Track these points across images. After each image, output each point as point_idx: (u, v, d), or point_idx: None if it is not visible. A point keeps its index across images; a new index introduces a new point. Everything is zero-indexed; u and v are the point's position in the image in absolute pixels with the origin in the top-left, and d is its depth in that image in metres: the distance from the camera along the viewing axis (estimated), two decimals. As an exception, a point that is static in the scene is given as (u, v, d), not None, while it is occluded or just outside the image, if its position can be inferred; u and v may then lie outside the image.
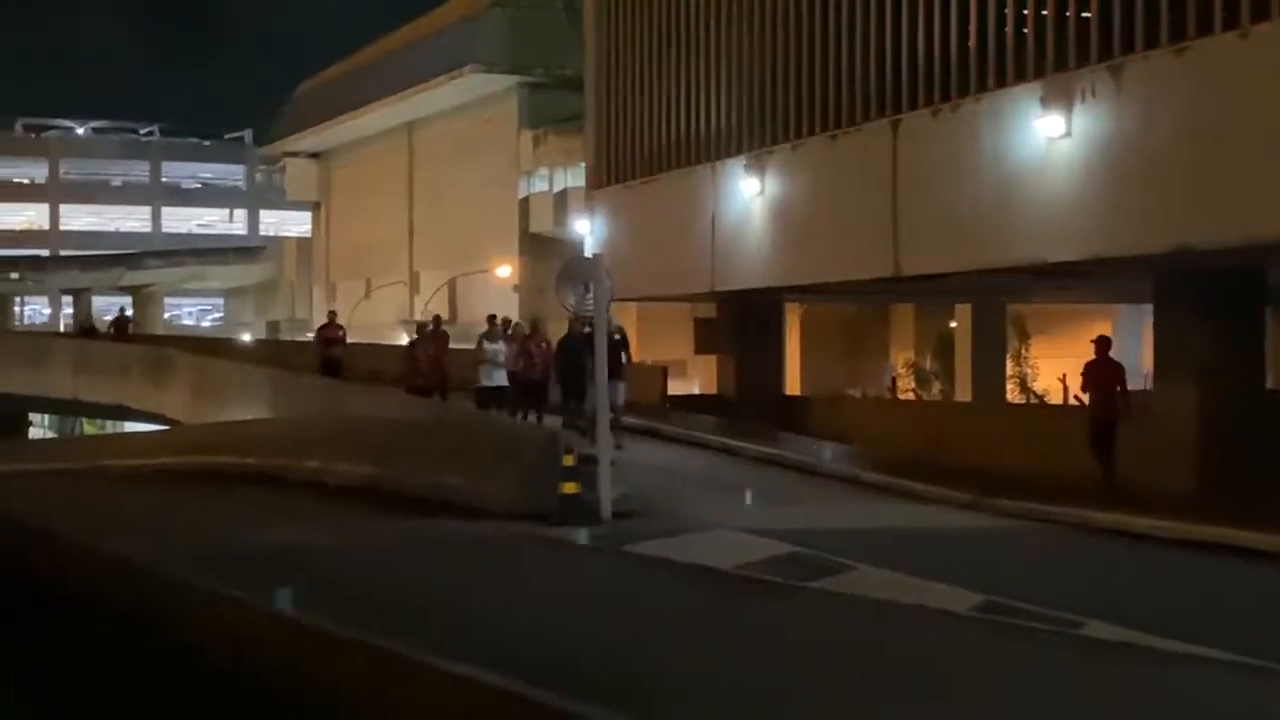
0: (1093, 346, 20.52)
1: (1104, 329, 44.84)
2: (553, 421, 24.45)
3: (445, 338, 28.90)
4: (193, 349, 42.76)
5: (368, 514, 19.05)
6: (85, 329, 52.85)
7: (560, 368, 24.53)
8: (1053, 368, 41.56)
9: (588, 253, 29.84)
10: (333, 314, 36.07)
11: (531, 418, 25.36)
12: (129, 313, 54.92)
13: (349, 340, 36.10)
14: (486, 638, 10.68)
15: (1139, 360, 39.71)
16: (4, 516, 18.72)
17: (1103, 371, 20.28)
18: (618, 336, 23.48)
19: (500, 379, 25.68)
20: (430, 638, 10.21)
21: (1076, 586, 14.12)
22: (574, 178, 50.25)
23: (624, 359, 23.97)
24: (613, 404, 21.96)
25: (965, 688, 9.51)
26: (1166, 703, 9.26)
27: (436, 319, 30.53)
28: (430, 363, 27.35)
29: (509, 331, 26.61)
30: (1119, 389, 20.20)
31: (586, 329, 22.86)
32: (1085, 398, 20.81)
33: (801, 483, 22.09)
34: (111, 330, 50.19)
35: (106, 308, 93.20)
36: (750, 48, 27.56)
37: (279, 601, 11.63)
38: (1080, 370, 20.60)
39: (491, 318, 27.54)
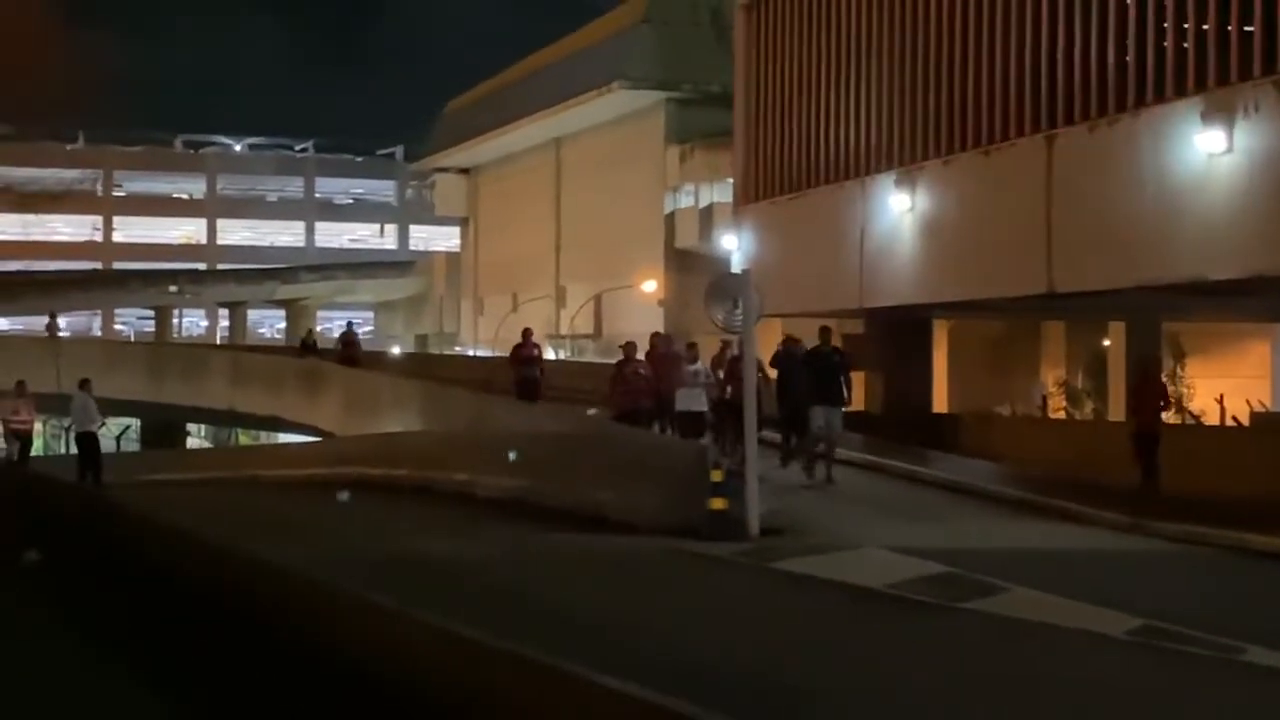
0: (1137, 372, 23.54)
1: (1262, 349, 44.29)
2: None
3: (676, 359, 24.67)
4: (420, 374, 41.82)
5: (517, 527, 19.18)
6: (307, 345, 47.99)
7: (783, 393, 23.11)
8: (1209, 388, 40.72)
9: (735, 268, 29.79)
10: (528, 332, 32.72)
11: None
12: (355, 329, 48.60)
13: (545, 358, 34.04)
14: (632, 650, 10.66)
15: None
16: (176, 527, 19.07)
17: (1146, 392, 22.95)
18: (837, 357, 22.40)
19: (699, 404, 22.99)
20: (578, 651, 10.22)
21: (1237, 611, 13.77)
22: (720, 193, 50.29)
23: (845, 381, 22.32)
24: (828, 432, 21.75)
25: (1121, 712, 9.34)
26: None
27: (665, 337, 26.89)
28: (648, 384, 23.84)
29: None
30: (1160, 406, 22.92)
31: (820, 349, 22.27)
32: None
33: (952, 501, 21.83)
34: (339, 348, 44.55)
35: (260, 320, 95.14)
36: (901, 62, 27.37)
37: (437, 612, 11.70)
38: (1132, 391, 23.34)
39: (691, 344, 24.95)
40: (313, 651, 12.71)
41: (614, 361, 26.79)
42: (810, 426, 22.01)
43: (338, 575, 14.26)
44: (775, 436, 23.64)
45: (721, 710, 8.55)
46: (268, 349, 66.80)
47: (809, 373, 22.08)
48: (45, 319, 60.59)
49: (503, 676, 10.10)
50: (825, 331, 22.46)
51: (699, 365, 23.46)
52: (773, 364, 23.25)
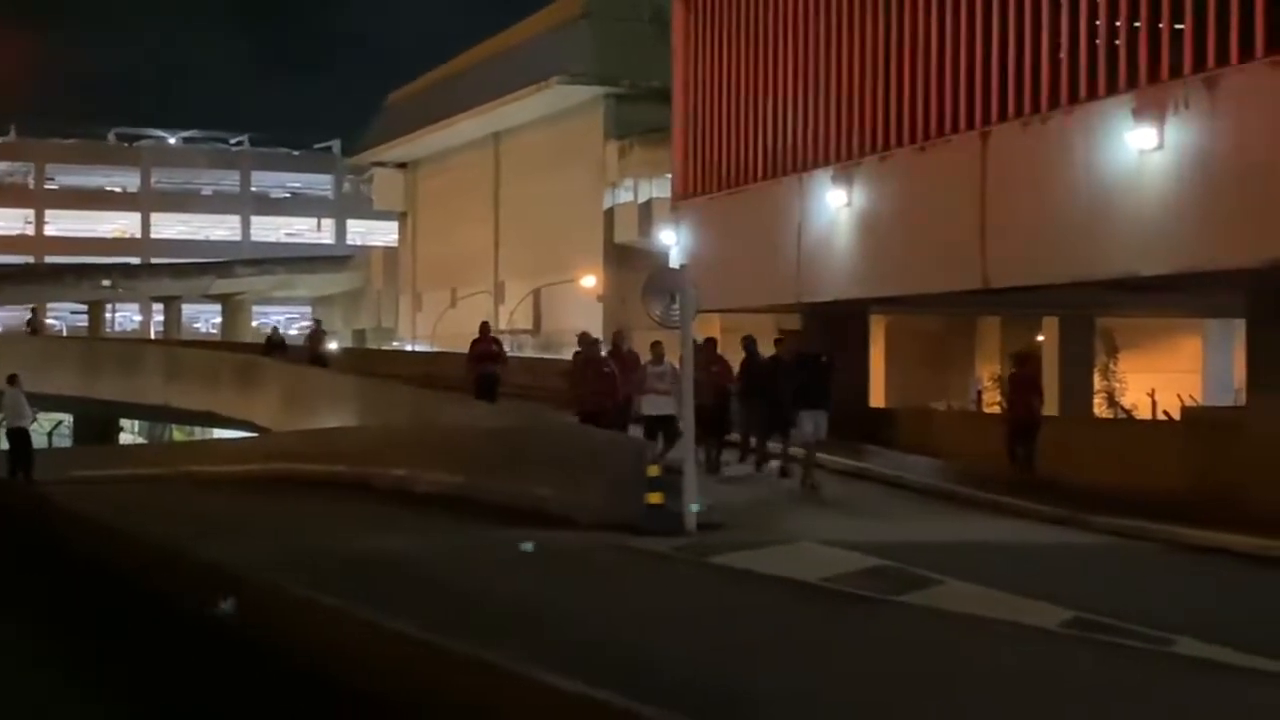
0: (1014, 361, 24.48)
1: (1193, 344, 44.80)
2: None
3: (634, 358, 24.02)
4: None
5: (457, 522, 19.18)
6: (274, 343, 45.37)
7: (751, 394, 23.07)
8: (1142, 382, 41.17)
9: (673, 264, 29.84)
10: (485, 326, 31.14)
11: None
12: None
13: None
14: (570, 645, 10.70)
15: (1230, 375, 39.31)
16: (97, 520, 18.94)
17: (1022, 382, 23.95)
18: (825, 359, 22.32)
19: (669, 407, 21.96)
20: (516, 645, 10.25)
21: (1168, 603, 13.97)
22: (659, 189, 50.33)
23: (828, 385, 22.00)
24: (815, 437, 21.56)
25: (1054, 703, 9.46)
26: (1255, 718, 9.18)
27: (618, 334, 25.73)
28: (612, 384, 22.77)
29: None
30: (1036, 399, 23.85)
31: (802, 352, 22.30)
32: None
33: (887, 496, 22.01)
34: (307, 345, 42.92)
35: (196, 315, 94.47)
36: (838, 58, 27.48)
37: (373, 607, 11.70)
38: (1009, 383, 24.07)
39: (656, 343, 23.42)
40: (252, 649, 12.68)
41: (570, 356, 26.78)
42: (798, 431, 21.83)
43: (277, 572, 14.26)
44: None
45: (655, 705, 8.62)
46: (205, 344, 66.32)
47: (797, 377, 21.87)
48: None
49: (445, 673, 10.12)
50: (805, 334, 22.42)
51: (666, 366, 22.35)
52: (745, 368, 23.21)
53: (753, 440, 23.99)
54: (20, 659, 12.12)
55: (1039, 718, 9.25)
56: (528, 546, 15.93)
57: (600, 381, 22.65)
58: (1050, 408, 39.65)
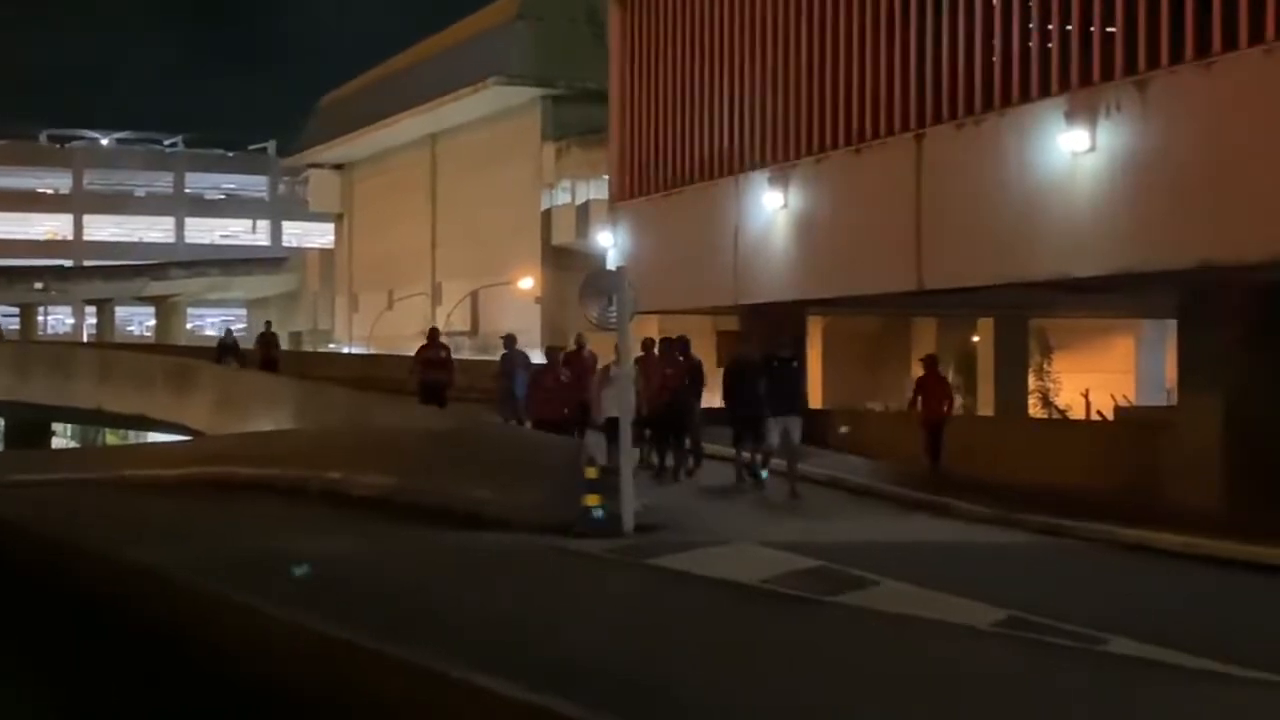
0: (922, 364, 25.31)
1: (1126, 344, 45.20)
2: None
3: (592, 361, 23.65)
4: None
5: (391, 525, 19.08)
6: (227, 346, 44.11)
7: (728, 400, 22.26)
8: (1075, 382, 41.48)
9: (610, 265, 29.84)
10: (434, 331, 30.41)
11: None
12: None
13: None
14: (502, 650, 10.67)
15: (1163, 375, 39.69)
16: (27, 527, 18.80)
17: (931, 384, 24.65)
18: (795, 363, 21.71)
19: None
20: (451, 650, 10.22)
21: (1100, 602, 14.08)
22: (597, 190, 50.35)
23: (800, 388, 21.71)
24: (788, 443, 20.98)
25: (984, 703, 9.50)
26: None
27: (579, 336, 24.85)
28: (569, 391, 22.16)
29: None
30: (944, 399, 24.70)
31: (774, 354, 21.39)
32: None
33: (825, 496, 22.05)
34: (259, 349, 42.05)
35: (129, 317, 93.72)
36: (775, 60, 27.57)
37: (309, 612, 11.65)
38: (914, 387, 24.87)
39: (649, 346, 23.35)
40: (183, 650, 12.60)
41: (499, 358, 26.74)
42: (765, 439, 21.24)
43: (209, 576, 14.16)
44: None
45: (586, 707, 8.62)
46: (139, 347, 65.72)
47: (765, 382, 21.15)
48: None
49: (376, 675, 10.10)
50: (782, 336, 22.19)
51: (630, 369, 20.99)
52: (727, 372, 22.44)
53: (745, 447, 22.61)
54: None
55: (951, 712, 9.28)
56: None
57: (557, 389, 22.00)
58: (985, 408, 40.11)
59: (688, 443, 23.04)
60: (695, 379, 23.31)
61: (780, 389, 21.00)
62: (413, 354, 29.96)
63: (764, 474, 22.12)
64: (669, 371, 22.61)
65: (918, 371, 26.43)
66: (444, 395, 28.05)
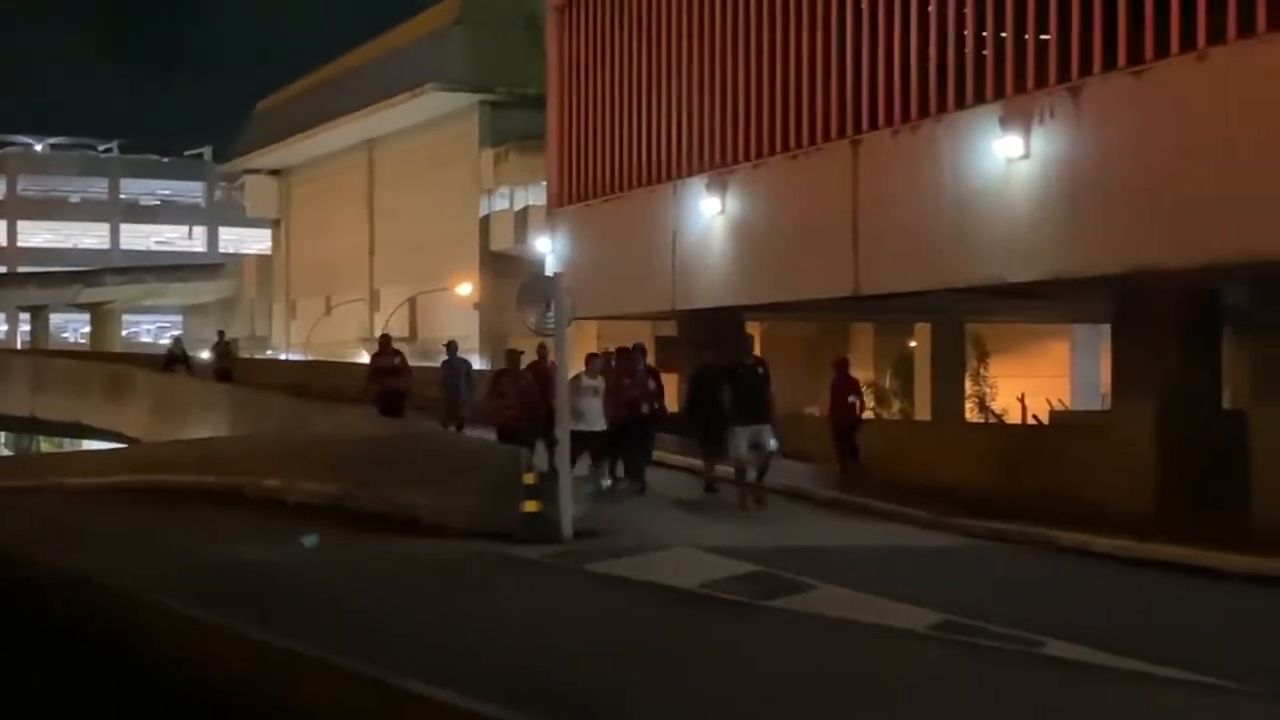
0: (833, 368, 25.64)
1: (1061, 349, 45.56)
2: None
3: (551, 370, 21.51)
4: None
5: (329, 533, 18.99)
6: (176, 356, 42.86)
7: (695, 410, 21.66)
8: (1011, 387, 41.75)
9: (548, 271, 29.83)
10: (386, 338, 29.68)
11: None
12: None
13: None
14: (442, 657, 10.65)
15: (1098, 379, 40.03)
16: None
17: (842, 387, 25.00)
18: (761, 370, 20.79)
19: (598, 423, 21.15)
20: (390, 658, 10.19)
21: (1036, 605, 14.14)
22: (535, 196, 50.28)
23: (768, 395, 20.61)
24: (760, 450, 20.27)
25: (920, 706, 9.55)
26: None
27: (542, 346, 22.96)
28: (525, 397, 21.41)
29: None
30: (855, 400, 25.09)
31: (741, 362, 20.72)
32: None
33: (745, 497, 22.04)
34: (214, 359, 41.52)
35: (64, 324, 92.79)
36: (712, 65, 27.61)
37: (248, 621, 11.58)
38: (830, 387, 25.25)
39: (594, 356, 22.58)
40: (121, 661, 12.52)
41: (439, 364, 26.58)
42: (732, 447, 20.33)
43: (148, 586, 14.06)
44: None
45: (524, 713, 8.61)
46: (74, 354, 65.15)
47: (733, 389, 20.45)
48: None
49: (312, 683, 10.05)
50: (748, 340, 21.72)
51: (599, 380, 21.38)
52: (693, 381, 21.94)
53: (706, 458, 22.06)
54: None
55: (886, 715, 9.33)
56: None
57: (520, 397, 21.25)
58: (923, 412, 40.35)
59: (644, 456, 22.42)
60: (659, 388, 22.71)
61: (748, 396, 20.31)
62: (350, 361, 29.78)
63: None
64: (626, 381, 22.01)
65: (859, 375, 26.56)
66: (403, 404, 27.15)
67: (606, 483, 21.73)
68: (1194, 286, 20.49)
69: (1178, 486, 20.32)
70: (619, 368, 22.30)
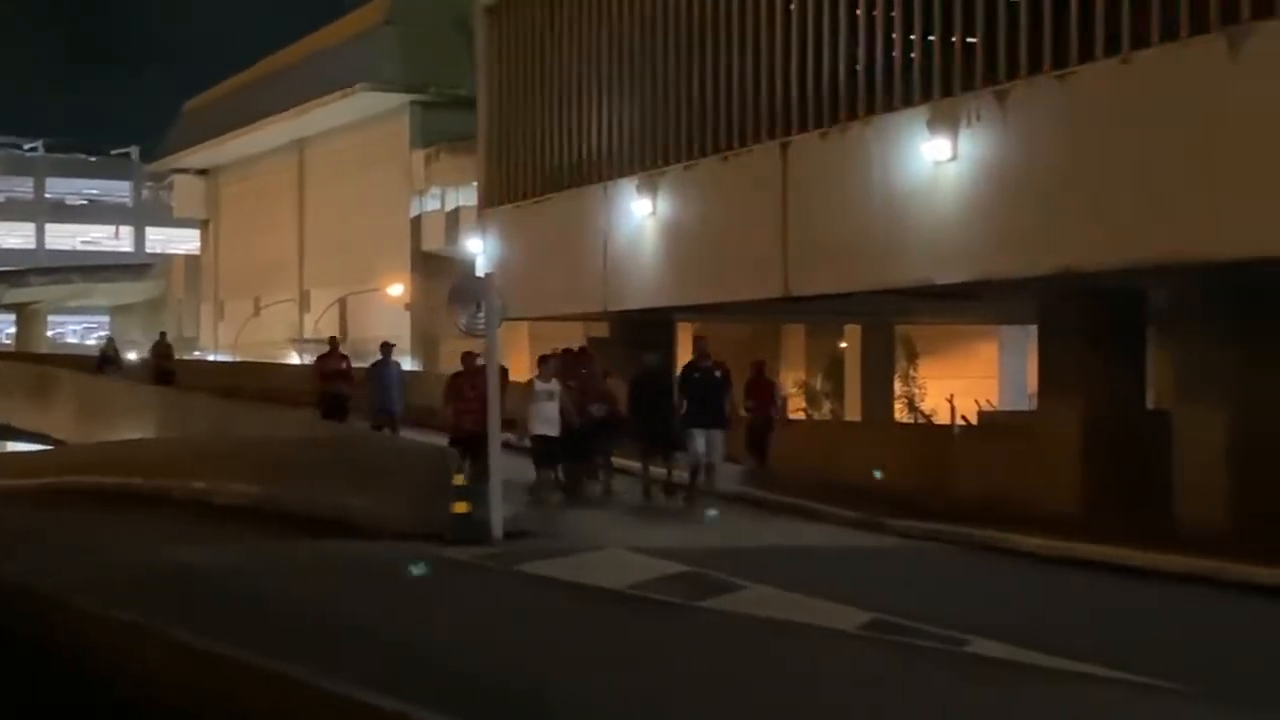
0: (751, 368, 26.69)
1: (990, 349, 45.88)
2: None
3: (504, 375, 20.55)
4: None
5: (257, 535, 18.87)
6: (108, 357, 42.95)
7: (634, 413, 21.41)
8: (940, 388, 41.99)
9: (479, 272, 29.75)
10: (334, 340, 29.37)
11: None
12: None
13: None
14: (373, 659, 10.62)
15: (1025, 379, 40.34)
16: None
17: (757, 388, 26.26)
18: (719, 373, 20.64)
19: (553, 428, 20.89)
20: (320, 659, 10.15)
21: (964, 605, 14.24)
22: (466, 197, 50.17)
23: (727, 402, 20.68)
24: (709, 458, 20.24)
25: (848, 705, 9.61)
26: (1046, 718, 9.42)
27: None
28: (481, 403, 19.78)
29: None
30: (771, 400, 26.75)
31: (696, 365, 20.55)
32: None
33: (696, 503, 22.12)
34: (151, 359, 41.14)
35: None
36: (642, 67, 27.66)
37: (175, 624, 11.51)
38: (745, 388, 25.52)
39: (546, 358, 22.07)
40: (46, 666, 12.40)
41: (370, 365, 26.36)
42: (689, 449, 20.26)
43: (74, 588, 13.93)
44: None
45: (446, 713, 8.60)
46: (0, 355, 64.34)
47: (691, 391, 20.36)
48: None
49: (239, 686, 9.99)
50: (701, 342, 21.37)
51: (554, 384, 21.09)
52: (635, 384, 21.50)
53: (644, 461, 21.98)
54: None
55: (815, 714, 9.38)
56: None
57: (481, 401, 19.46)
58: (853, 413, 40.53)
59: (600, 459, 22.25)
60: (609, 390, 22.41)
61: (706, 400, 20.20)
62: (279, 362, 29.49)
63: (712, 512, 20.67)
64: (572, 384, 21.66)
65: (790, 376, 26.66)
66: (346, 407, 26.67)
67: (557, 496, 21.58)
68: (1119, 288, 20.70)
69: (1103, 485, 20.53)
70: (563, 370, 21.79)
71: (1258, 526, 17.86)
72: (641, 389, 21.45)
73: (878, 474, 23.30)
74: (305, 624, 12.31)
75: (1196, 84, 16.97)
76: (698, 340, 21.68)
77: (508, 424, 19.47)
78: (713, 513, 20.20)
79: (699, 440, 20.21)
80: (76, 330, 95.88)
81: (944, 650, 11.61)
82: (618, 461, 22.82)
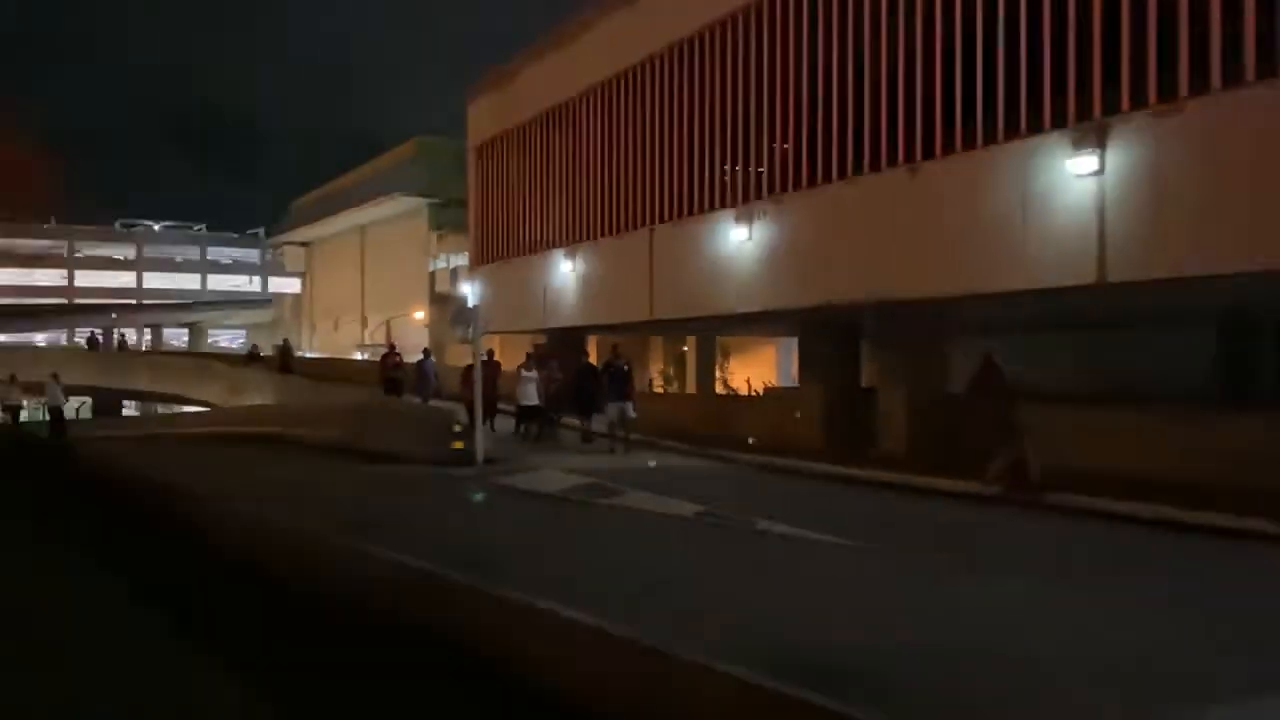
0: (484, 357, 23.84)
1: (771, 351, 45.94)
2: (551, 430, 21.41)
3: (497, 366, 22.63)
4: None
5: (335, 461, 18.58)
6: (253, 355, 41.36)
7: (576, 392, 20.72)
8: (743, 373, 42.14)
9: (470, 304, 29.43)
10: (393, 345, 28.83)
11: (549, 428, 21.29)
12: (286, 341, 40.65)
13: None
14: (405, 533, 10.47)
15: (791, 369, 40.60)
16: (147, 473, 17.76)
17: (492, 371, 21.93)
18: (626, 368, 19.96)
19: (532, 399, 20.95)
20: (368, 534, 9.97)
21: (754, 501, 14.32)
22: (461, 259, 49.60)
23: (630, 384, 20.01)
24: (624, 417, 19.62)
25: (679, 551, 9.64)
26: (798, 562, 9.49)
27: (490, 352, 22.83)
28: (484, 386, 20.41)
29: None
30: (495, 381, 21.97)
31: (612, 362, 19.90)
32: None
33: (599, 445, 21.95)
34: (278, 357, 38.10)
35: (173, 335, 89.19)
36: (568, 181, 27.50)
37: (290, 515, 11.24)
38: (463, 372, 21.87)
39: (530, 355, 22.06)
40: (200, 542, 12.03)
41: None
42: (607, 413, 19.79)
43: (221, 493, 13.58)
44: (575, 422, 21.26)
45: (445, 565, 8.48)
46: (178, 354, 62.64)
47: (607, 378, 19.86)
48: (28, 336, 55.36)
49: (313, 551, 9.73)
50: (616, 347, 20.85)
51: (534, 372, 20.97)
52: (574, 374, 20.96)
53: (580, 421, 21.31)
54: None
55: (661, 554, 9.38)
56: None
57: (485, 383, 19.80)
58: (690, 389, 40.47)
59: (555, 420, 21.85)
60: (561, 379, 21.84)
61: (617, 384, 19.87)
62: (349, 358, 29.11)
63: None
64: (541, 373, 21.31)
65: (655, 369, 26.19)
66: (400, 389, 25.89)
67: (532, 437, 21.26)
68: (847, 317, 20.86)
69: (835, 432, 20.62)
70: (538, 364, 21.54)
71: (923, 456, 18.10)
72: (580, 376, 21.21)
73: (750, 440, 21.90)
74: (361, 509, 12.10)
75: (864, 203, 17.02)
76: (615, 346, 21.40)
77: (504, 397, 20.50)
78: (652, 462, 19.19)
79: (613, 409, 19.91)
80: (225, 339, 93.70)
81: (744, 527, 11.66)
82: (565, 421, 22.69)
